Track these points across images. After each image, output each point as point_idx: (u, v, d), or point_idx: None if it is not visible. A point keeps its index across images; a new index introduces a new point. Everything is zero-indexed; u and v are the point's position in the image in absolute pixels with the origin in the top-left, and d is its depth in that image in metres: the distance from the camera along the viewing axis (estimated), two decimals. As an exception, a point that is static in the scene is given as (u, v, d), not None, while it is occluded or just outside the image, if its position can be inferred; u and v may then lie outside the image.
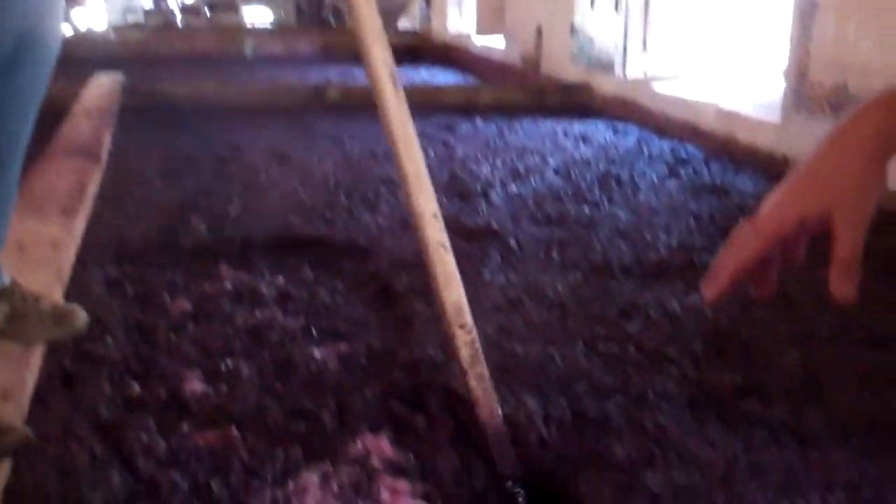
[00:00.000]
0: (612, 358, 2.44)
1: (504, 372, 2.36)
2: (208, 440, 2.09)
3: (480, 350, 1.90)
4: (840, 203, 0.98)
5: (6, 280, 2.22)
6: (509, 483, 1.92)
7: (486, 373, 1.91)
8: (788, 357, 2.39)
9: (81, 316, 2.29)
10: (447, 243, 1.84)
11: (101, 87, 6.71)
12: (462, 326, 1.86)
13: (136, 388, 2.32)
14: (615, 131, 6.19)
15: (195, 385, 2.36)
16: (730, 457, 1.93)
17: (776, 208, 1.25)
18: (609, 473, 1.90)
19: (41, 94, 2.06)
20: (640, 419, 2.09)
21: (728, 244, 1.34)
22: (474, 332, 1.88)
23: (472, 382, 1.88)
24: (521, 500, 1.88)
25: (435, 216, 1.81)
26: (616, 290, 2.95)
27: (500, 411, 1.95)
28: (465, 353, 1.87)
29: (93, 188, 3.39)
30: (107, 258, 3.26)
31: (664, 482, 1.85)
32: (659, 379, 2.31)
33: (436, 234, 1.81)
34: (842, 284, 1.17)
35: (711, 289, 1.34)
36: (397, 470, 2.01)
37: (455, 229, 3.66)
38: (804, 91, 4.82)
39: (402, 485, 1.96)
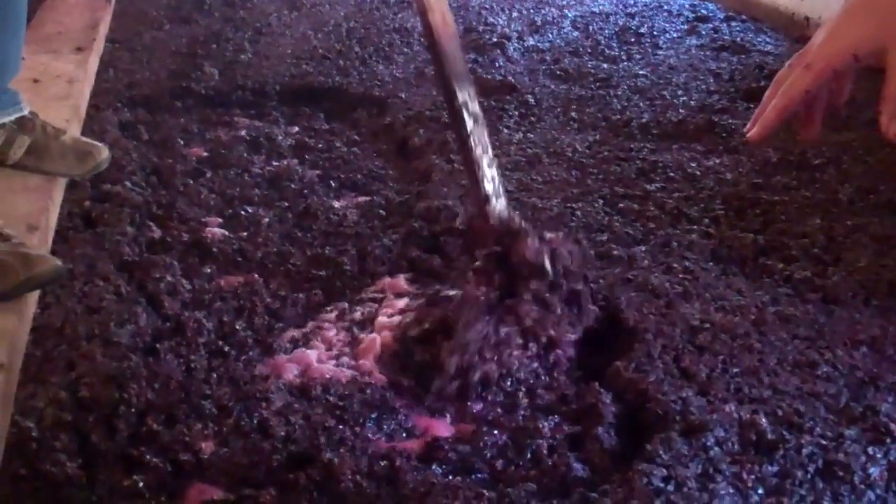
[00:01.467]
0: (631, 213, 2.44)
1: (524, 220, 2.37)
2: (231, 283, 2.11)
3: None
4: None
5: (26, 110, 2.19)
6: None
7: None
8: (809, 221, 2.39)
9: (104, 153, 2.28)
10: None
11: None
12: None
13: (157, 231, 2.33)
14: (633, -14, 6.01)
15: (215, 230, 2.37)
16: (759, 305, 1.96)
17: (829, 41, 1.22)
18: (646, 298, 1.94)
19: None
20: (668, 262, 2.11)
21: (775, 81, 1.31)
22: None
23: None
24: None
25: None
26: (635, 149, 2.92)
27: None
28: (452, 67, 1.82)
29: (104, 28, 3.31)
30: (120, 101, 3.22)
31: (701, 316, 1.89)
32: (681, 233, 2.32)
33: None
34: (892, 122, 1.15)
35: (759, 127, 1.31)
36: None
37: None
38: (832, -51, 4.66)
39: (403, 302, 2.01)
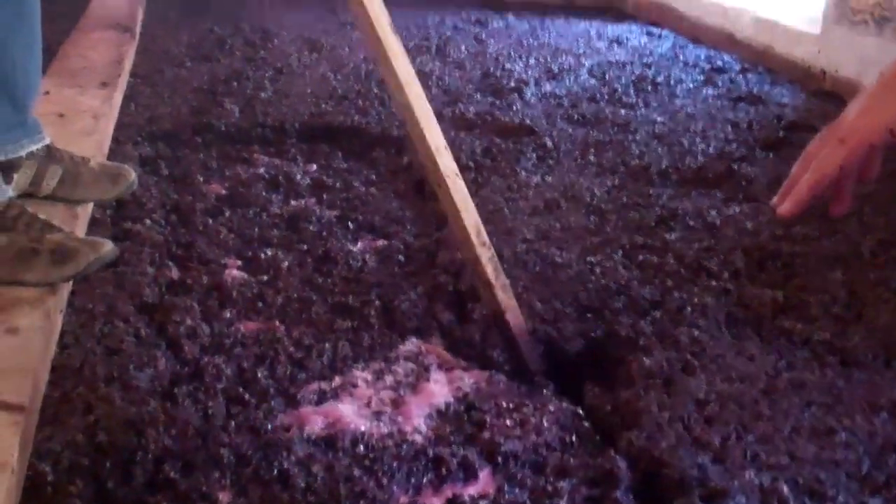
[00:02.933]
0: (650, 268, 2.42)
1: (543, 282, 2.35)
2: (251, 329, 2.09)
3: (499, 262, 2.01)
4: None
5: (47, 139, 2.21)
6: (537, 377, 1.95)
7: (508, 282, 2.02)
8: (831, 276, 2.37)
9: (132, 173, 2.31)
10: (458, 171, 1.96)
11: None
12: (483, 244, 1.97)
13: (177, 271, 2.32)
14: (649, 35, 6.05)
15: (235, 273, 2.35)
16: (770, 372, 1.93)
17: (864, 116, 1.20)
18: (644, 378, 1.91)
19: None
20: (675, 335, 2.08)
21: (805, 155, 1.30)
22: (493, 250, 2.00)
23: (500, 294, 1.99)
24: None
25: (446, 148, 1.93)
26: (654, 196, 2.92)
27: (522, 320, 2.04)
28: (489, 269, 1.98)
29: (128, 64, 3.33)
30: (140, 135, 3.22)
31: (707, 389, 1.86)
32: (697, 292, 2.29)
33: (450, 164, 1.94)
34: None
35: (790, 202, 1.29)
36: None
37: (489, 125, 3.62)
38: (847, 2, 4.68)
39: (458, 373, 1.98)
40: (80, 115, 2.68)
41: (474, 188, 2.89)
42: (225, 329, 2.08)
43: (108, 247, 1.94)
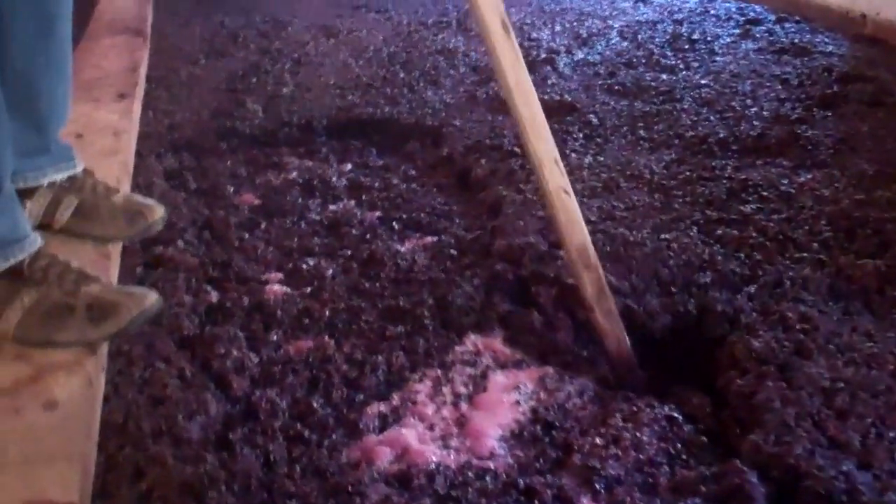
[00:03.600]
0: (732, 242, 2.23)
1: (616, 260, 2.18)
2: (301, 350, 1.93)
3: (607, 286, 1.86)
4: None
5: (80, 167, 2.01)
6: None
7: (614, 308, 1.87)
8: (928, 240, 2.18)
9: (158, 213, 2.08)
10: (569, 187, 1.81)
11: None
12: (588, 266, 1.83)
13: (216, 294, 2.15)
14: (674, -10, 5.79)
15: (276, 288, 2.19)
16: (893, 349, 1.74)
17: None
18: (756, 364, 1.73)
19: None
20: (780, 310, 1.90)
21: None
22: (600, 270, 1.85)
23: (600, 318, 1.85)
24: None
25: (556, 162, 1.79)
26: (718, 168, 2.72)
27: (628, 343, 1.87)
28: (591, 291, 1.84)
29: (144, 70, 3.14)
30: (162, 146, 3.05)
31: (831, 375, 1.67)
32: (790, 265, 2.10)
33: (557, 180, 1.80)
34: None
35: None
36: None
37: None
38: (889, -61, 4.42)
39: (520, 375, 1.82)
40: (99, 133, 2.47)
41: (523, 175, 2.70)
42: (273, 354, 1.92)
43: (151, 298, 1.74)
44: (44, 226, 1.97)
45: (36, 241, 1.70)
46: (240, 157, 3.07)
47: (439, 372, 1.86)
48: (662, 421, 1.64)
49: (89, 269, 1.75)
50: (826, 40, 4.27)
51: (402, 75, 3.83)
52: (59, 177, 1.98)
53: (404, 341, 1.94)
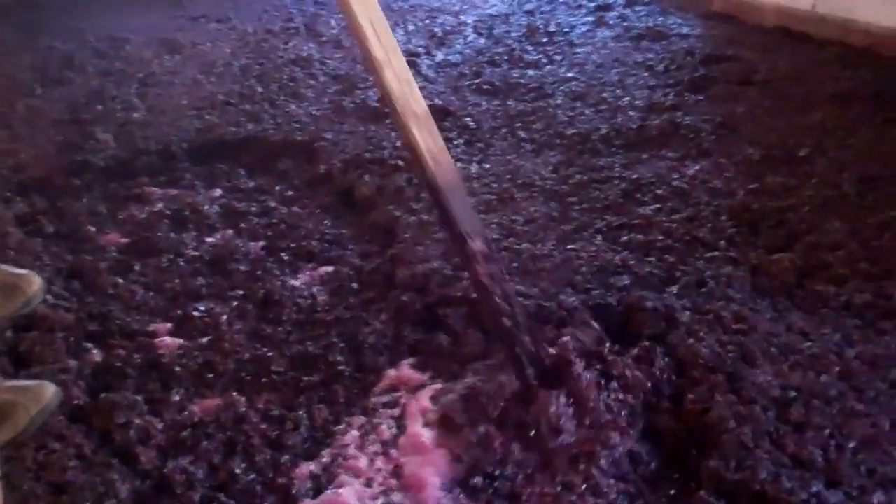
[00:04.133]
0: (641, 247, 2.17)
1: (526, 273, 2.08)
2: (209, 409, 1.75)
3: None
4: None
5: None
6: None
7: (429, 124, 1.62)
8: (830, 226, 2.17)
9: (35, 283, 1.79)
10: None
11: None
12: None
13: (99, 352, 1.94)
14: (516, -20, 5.76)
15: (169, 341, 1.99)
16: (834, 349, 1.70)
17: None
18: (705, 373, 1.65)
19: None
20: (714, 309, 1.84)
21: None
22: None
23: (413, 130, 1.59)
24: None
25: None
26: (606, 167, 2.66)
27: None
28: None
29: (-22, 107, 2.83)
30: (9, 189, 2.76)
31: (779, 381, 1.61)
32: (706, 265, 2.05)
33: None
34: None
35: None
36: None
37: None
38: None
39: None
40: None
41: (412, 192, 2.57)
42: (178, 416, 1.73)
43: (48, 392, 1.52)
44: None
45: None
46: (97, 192, 2.82)
47: (363, 419, 1.72)
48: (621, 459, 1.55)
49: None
50: (679, 21, 4.31)
51: (259, 89, 3.63)
52: None
53: (322, 391, 1.78)
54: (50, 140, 3.16)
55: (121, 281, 2.24)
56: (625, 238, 2.21)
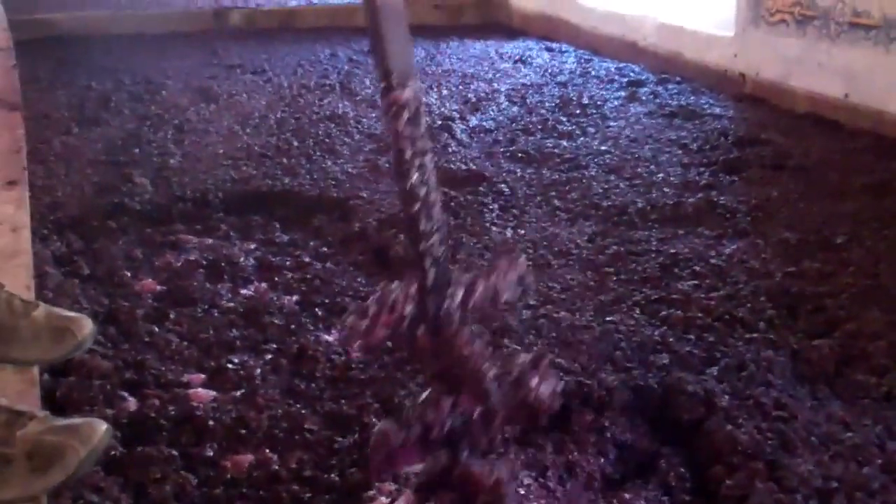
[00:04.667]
0: (679, 324, 2.16)
1: (564, 345, 2.07)
2: (241, 465, 1.74)
3: None
4: None
5: None
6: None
7: None
8: (869, 315, 2.17)
9: (87, 327, 1.78)
10: None
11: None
12: None
13: (134, 402, 1.93)
14: (549, 51, 5.85)
15: (202, 393, 1.98)
16: (876, 441, 1.69)
17: None
18: (744, 460, 1.64)
19: None
20: (754, 394, 1.83)
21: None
22: None
23: None
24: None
25: None
26: (643, 240, 2.66)
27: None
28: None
29: (25, 146, 2.85)
30: (45, 227, 2.77)
31: (821, 472, 1.59)
32: (745, 346, 2.04)
33: None
34: None
35: None
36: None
37: (437, 174, 3.29)
38: (761, 3, 4.56)
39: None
40: None
41: (448, 254, 2.56)
42: (211, 473, 1.71)
43: (99, 432, 1.45)
44: None
45: None
46: (132, 236, 2.83)
47: (393, 486, 1.70)
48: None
49: (14, 401, 1.49)
50: (711, 101, 4.36)
51: (295, 143, 3.66)
52: None
53: (355, 454, 1.77)
54: (86, 180, 3.19)
55: (156, 329, 2.24)
56: (664, 313, 2.21)
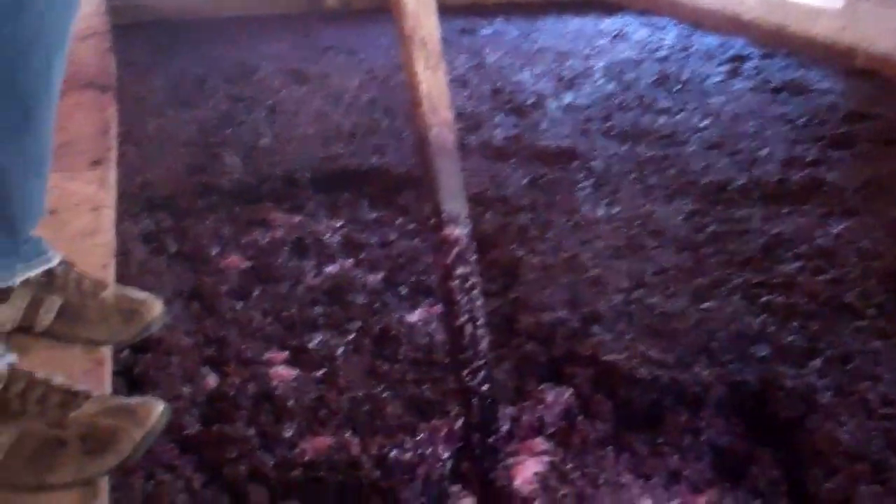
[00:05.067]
0: (781, 310, 2.03)
1: (655, 335, 1.97)
2: (320, 448, 1.69)
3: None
4: None
5: (55, 259, 1.70)
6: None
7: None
8: None
9: (156, 309, 1.75)
10: None
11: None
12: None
13: (215, 377, 1.90)
14: (649, 26, 5.66)
15: (283, 371, 1.94)
16: None
17: None
18: (846, 462, 1.52)
19: (75, 7, 1.53)
20: (857, 390, 1.70)
21: None
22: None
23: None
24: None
25: None
26: (743, 219, 2.53)
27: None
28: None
29: (115, 130, 2.86)
30: (137, 206, 2.78)
31: None
32: (852, 336, 1.91)
33: None
34: None
35: None
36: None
37: (525, 151, 3.22)
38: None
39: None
40: (75, 209, 2.12)
41: (537, 232, 2.49)
42: (288, 454, 1.67)
43: (156, 413, 1.39)
44: (24, 328, 1.67)
45: (5, 358, 1.40)
46: (221, 215, 2.82)
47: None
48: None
49: (80, 380, 1.46)
50: (819, 76, 4.15)
51: (385, 123, 3.61)
52: (33, 273, 1.68)
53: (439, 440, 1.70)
54: (178, 160, 3.20)
55: (239, 306, 2.22)
56: (764, 299, 2.08)
